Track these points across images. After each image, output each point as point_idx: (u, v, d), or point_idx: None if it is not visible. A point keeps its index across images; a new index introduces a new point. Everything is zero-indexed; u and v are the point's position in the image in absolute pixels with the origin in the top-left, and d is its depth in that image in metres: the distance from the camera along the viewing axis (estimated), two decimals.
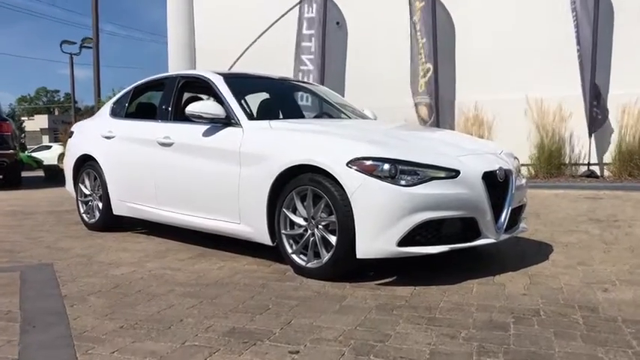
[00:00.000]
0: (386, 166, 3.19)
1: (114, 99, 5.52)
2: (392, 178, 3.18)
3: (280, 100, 4.88)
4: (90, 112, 28.77)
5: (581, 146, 10.06)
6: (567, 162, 10.07)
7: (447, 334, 2.48)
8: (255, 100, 4.48)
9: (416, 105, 10.87)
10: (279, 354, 2.24)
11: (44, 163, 18.88)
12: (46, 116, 62.79)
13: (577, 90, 9.73)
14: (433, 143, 3.67)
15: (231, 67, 12.40)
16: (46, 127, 58.36)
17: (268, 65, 11.79)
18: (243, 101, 4.21)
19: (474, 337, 2.43)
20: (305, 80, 5.43)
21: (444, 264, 3.76)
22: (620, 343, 2.36)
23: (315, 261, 3.41)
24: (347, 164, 3.23)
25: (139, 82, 5.34)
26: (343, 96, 11.71)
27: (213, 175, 4.00)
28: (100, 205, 5.15)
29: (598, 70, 9.61)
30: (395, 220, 3.14)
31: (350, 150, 3.29)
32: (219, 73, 4.50)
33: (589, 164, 9.94)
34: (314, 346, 2.33)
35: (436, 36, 10.59)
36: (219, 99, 4.24)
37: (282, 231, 3.57)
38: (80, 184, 5.39)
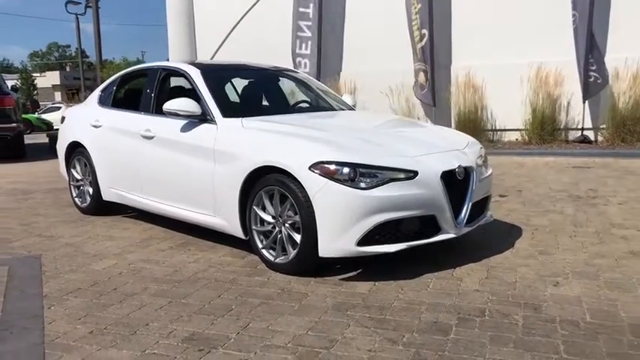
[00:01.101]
0: (345, 170, 3.33)
1: (102, 86, 5.64)
2: (351, 181, 3.32)
3: (260, 92, 4.98)
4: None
5: (578, 112, 10.06)
6: (561, 127, 10.09)
7: (390, 338, 2.67)
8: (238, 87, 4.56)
9: (415, 71, 10.85)
10: None
11: (54, 127, 18.97)
12: (57, 72, 62.75)
13: (572, 55, 9.66)
14: (396, 142, 3.78)
15: (227, 35, 12.39)
16: (58, 83, 58.41)
17: (266, 33, 11.80)
18: (221, 94, 4.33)
19: (413, 343, 2.62)
20: (285, 68, 5.47)
21: (414, 254, 3.91)
22: (547, 348, 2.54)
23: (283, 257, 3.60)
24: (309, 168, 3.37)
25: (125, 71, 5.45)
26: (341, 63, 11.76)
27: (190, 169, 4.16)
28: (91, 190, 5.35)
29: (595, 34, 9.52)
30: (354, 221, 3.30)
31: (313, 154, 3.43)
32: (198, 66, 4.60)
33: (582, 129, 9.97)
34: (263, 353, 2.53)
35: (432, 1, 10.46)
36: (196, 93, 4.35)
37: (253, 227, 3.75)
38: (72, 169, 5.59)
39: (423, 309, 3.03)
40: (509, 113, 10.33)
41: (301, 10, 11.58)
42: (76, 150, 5.48)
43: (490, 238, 4.38)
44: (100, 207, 5.32)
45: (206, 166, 4.01)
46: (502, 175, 7.32)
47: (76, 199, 5.60)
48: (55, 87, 58.22)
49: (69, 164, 5.62)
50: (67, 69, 68.48)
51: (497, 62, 10.13)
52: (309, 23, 11.52)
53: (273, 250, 3.68)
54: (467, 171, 3.72)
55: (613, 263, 3.71)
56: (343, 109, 5.01)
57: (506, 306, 3.04)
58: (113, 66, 40.45)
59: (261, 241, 3.73)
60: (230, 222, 3.91)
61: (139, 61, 61.74)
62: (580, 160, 8.47)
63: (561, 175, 7.26)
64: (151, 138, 4.52)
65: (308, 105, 5.06)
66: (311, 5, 11.44)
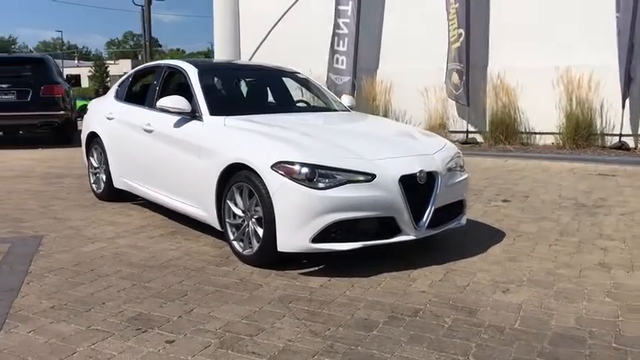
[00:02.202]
0: (304, 170, 3.51)
1: (119, 81, 6.04)
2: (310, 181, 3.50)
3: (253, 91, 5.21)
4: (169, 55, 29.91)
5: (616, 117, 9.75)
6: (597, 132, 9.81)
7: (313, 330, 2.84)
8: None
9: (448, 71, 10.81)
10: (156, 342, 2.70)
11: None
12: (129, 60, 65.53)
13: (612, 58, 9.37)
14: (364, 145, 3.91)
15: (269, 32, 12.70)
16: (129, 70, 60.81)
17: (306, 31, 12.02)
18: (212, 92, 4.59)
19: (333, 336, 2.78)
20: (287, 69, 5.65)
21: (387, 252, 4.03)
22: (458, 350, 2.64)
23: (249, 249, 3.83)
24: (271, 167, 3.58)
25: (138, 68, 5.82)
26: (378, 61, 11.82)
27: (180, 163, 4.45)
28: (104, 178, 5.75)
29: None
30: (309, 219, 3.48)
31: (276, 153, 3.63)
32: (197, 65, 4.88)
33: (621, 135, 9.66)
34: (191, 336, 2.77)
35: (469, 1, 10.38)
36: (190, 91, 4.63)
37: (227, 219, 3.99)
38: (90, 157, 6.02)
39: (361, 306, 3.17)
40: (544, 116, 10.14)
41: (340, 7, 11.73)
42: (94, 140, 5.90)
43: (467, 243, 4.44)
44: (113, 193, 5.70)
45: (192, 161, 4.28)
46: (519, 180, 7.27)
47: (93, 185, 6.03)
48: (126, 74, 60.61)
49: (88, 153, 6.05)
50: (139, 57, 71.37)
51: (532, 64, 9.96)
52: (347, 20, 11.66)
53: (242, 242, 3.90)
54: (432, 175, 3.81)
55: (575, 274, 3.72)
56: (335, 110, 5.16)
57: (443, 308, 3.15)
58: (180, 56, 41.73)
59: (233, 233, 3.97)
60: (209, 214, 4.17)
61: (208, 52, 63.54)
62: (609, 168, 8.25)
63: (580, 182, 7.12)
64: (150, 132, 4.84)
65: (300, 105, 5.24)
66: (350, 3, 11.56)
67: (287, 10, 12.58)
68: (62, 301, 3.19)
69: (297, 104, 5.30)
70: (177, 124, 4.51)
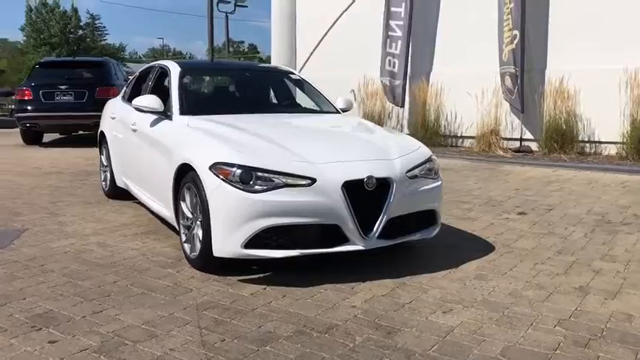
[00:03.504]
0: (238, 172, 3.36)
1: (129, 82, 6.16)
2: (245, 183, 3.35)
3: (233, 91, 5.11)
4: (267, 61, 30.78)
5: None
6: None
7: (205, 341, 2.69)
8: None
9: (501, 75, 10.21)
10: (39, 341, 2.65)
11: None
12: None
13: None
14: (314, 148, 3.69)
15: (324, 36, 12.62)
16: None
17: (360, 34, 11.83)
18: (189, 92, 4.55)
19: (220, 349, 2.61)
20: (281, 69, 5.51)
21: (348, 262, 3.81)
22: None
23: (194, 252, 3.72)
24: (209, 168, 3.46)
25: (142, 69, 5.89)
26: (431, 63, 11.38)
27: (154, 162, 4.42)
28: (109, 176, 5.87)
29: None
30: (240, 223, 3.32)
31: (214, 154, 3.51)
32: (181, 65, 4.86)
33: None
34: (78, 338, 2.70)
35: (525, 0, 9.74)
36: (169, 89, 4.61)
37: (180, 220, 3.92)
38: (101, 156, 6.17)
39: (276, 318, 2.98)
40: (606, 124, 9.29)
41: (393, 9, 11.42)
42: (103, 139, 6.04)
43: (442, 256, 4.10)
44: (117, 191, 5.80)
45: (162, 160, 4.24)
46: (553, 192, 6.69)
47: (102, 183, 6.18)
48: None
49: (100, 151, 6.22)
50: None
51: (594, 66, 9.14)
52: (400, 22, 11.33)
53: (191, 244, 3.80)
54: (386, 182, 3.54)
55: (541, 297, 3.31)
56: (321, 112, 4.96)
57: (362, 326, 2.89)
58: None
59: (185, 235, 3.88)
60: (170, 214, 4.11)
61: None
62: None
63: (623, 197, 6.43)
64: (135, 131, 4.87)
65: (280, 106, 5.08)
66: (402, 4, 11.24)
67: (340, 15, 12.43)
68: None
69: (282, 105, 5.14)
70: (153, 124, 4.50)
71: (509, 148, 10.16)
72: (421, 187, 3.78)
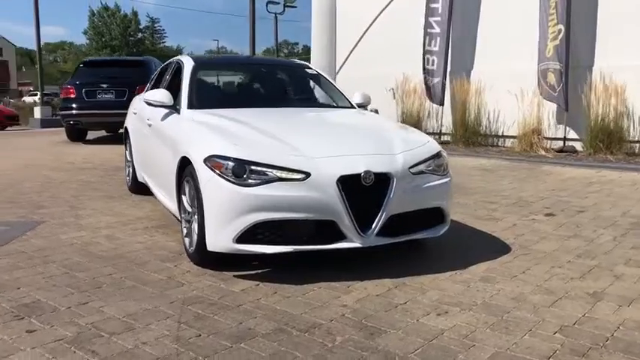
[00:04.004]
0: (230, 165, 3.29)
1: (151, 78, 6.21)
2: (238, 177, 3.27)
3: (243, 86, 5.05)
4: None
5: None
6: None
7: (181, 336, 2.62)
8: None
9: (542, 71, 9.80)
10: (18, 330, 2.65)
11: None
12: None
13: None
14: (311, 142, 3.57)
15: (364, 33, 12.48)
16: None
17: (400, 32, 11.63)
18: (200, 86, 4.53)
19: (193, 344, 2.54)
20: (297, 62, 5.42)
21: (363, 260, 3.69)
22: None
23: (192, 247, 3.67)
24: (204, 161, 3.40)
25: (164, 64, 5.92)
26: (472, 61, 11.04)
27: (162, 155, 4.42)
28: (131, 171, 5.93)
29: None
30: (232, 217, 3.25)
31: (208, 147, 3.45)
32: (195, 60, 4.84)
33: None
34: (56, 328, 2.68)
35: None
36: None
37: (182, 214, 3.88)
38: (125, 151, 6.25)
39: (260, 314, 2.89)
40: None
41: (431, 5, 11.17)
42: (127, 134, 6.12)
43: (451, 256, 3.92)
44: (139, 186, 5.85)
45: (169, 154, 4.23)
46: (591, 193, 6.35)
47: (127, 178, 6.26)
48: None
49: (125, 146, 6.30)
50: None
51: None
52: (439, 19, 11.06)
53: (190, 238, 3.76)
54: (385, 177, 3.39)
55: (547, 303, 3.09)
56: (334, 107, 4.84)
57: (346, 326, 2.76)
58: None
59: (186, 229, 3.84)
60: (175, 207, 4.09)
61: None
62: None
63: None
64: (150, 126, 4.89)
65: (291, 100, 4.97)
66: (441, 0, 10.96)
67: (380, 12, 12.25)
68: None
69: (294, 99, 5.04)
70: (163, 118, 4.50)
71: (552, 148, 9.75)
72: (426, 183, 3.61)
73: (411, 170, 3.52)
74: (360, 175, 3.30)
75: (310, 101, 5.01)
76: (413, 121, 11.47)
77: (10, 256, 3.83)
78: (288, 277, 3.41)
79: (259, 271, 3.54)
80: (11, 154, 10.28)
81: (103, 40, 69.49)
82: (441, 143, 10.98)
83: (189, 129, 3.98)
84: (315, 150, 3.42)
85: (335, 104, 4.92)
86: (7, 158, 9.49)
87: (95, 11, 71.42)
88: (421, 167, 3.61)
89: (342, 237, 3.35)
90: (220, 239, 3.32)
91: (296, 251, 3.33)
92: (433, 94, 11.31)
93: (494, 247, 4.16)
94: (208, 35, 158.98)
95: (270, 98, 4.90)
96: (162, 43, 79.06)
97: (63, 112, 11.56)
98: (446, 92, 11.14)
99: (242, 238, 3.27)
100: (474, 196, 6.18)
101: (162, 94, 4.39)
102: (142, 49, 71.43)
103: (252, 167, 3.28)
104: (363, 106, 4.99)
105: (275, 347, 2.53)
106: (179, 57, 5.34)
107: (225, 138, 3.54)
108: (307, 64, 5.34)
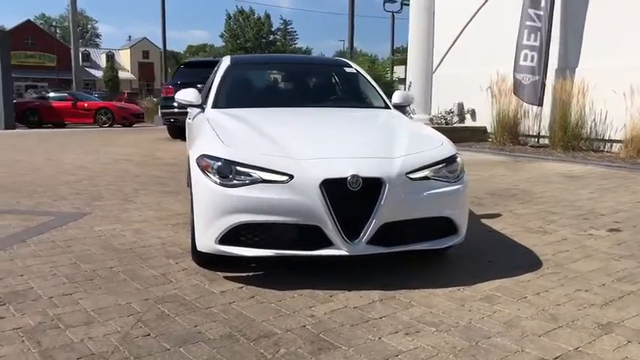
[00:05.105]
0: (217, 165, 3.26)
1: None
2: (223, 177, 3.24)
3: (276, 85, 4.98)
4: None
5: None
6: None
7: (131, 334, 2.64)
8: None
9: None
10: None
11: None
12: (402, 67, 68.25)
13: None
14: (307, 143, 3.44)
15: (462, 31, 11.98)
16: (403, 77, 63.33)
17: (495, 25, 11.02)
18: (230, 85, 4.57)
19: (136, 343, 2.54)
20: (336, 61, 5.26)
21: (367, 268, 3.54)
22: None
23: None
24: (196, 160, 3.41)
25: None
26: (578, 57, 10.13)
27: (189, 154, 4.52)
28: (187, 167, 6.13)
29: None
30: (215, 217, 3.22)
31: (202, 147, 3.46)
32: (232, 59, 4.89)
33: None
34: (22, 316, 2.81)
35: None
36: None
37: (191, 214, 3.92)
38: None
39: (222, 319, 2.84)
40: None
41: None
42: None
43: (467, 271, 3.61)
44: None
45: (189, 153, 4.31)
46: None
47: (186, 174, 6.47)
48: (399, 80, 63.33)
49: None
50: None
51: None
52: (540, 12, 10.26)
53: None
54: (377, 182, 3.18)
55: (541, 330, 2.73)
56: (361, 107, 4.66)
57: (298, 338, 2.62)
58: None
59: (193, 228, 3.87)
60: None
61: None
62: None
63: None
64: (189, 124, 5.01)
65: (319, 100, 4.81)
66: None
67: (479, 9, 11.66)
68: None
69: (321, 98, 4.86)
70: (193, 117, 4.61)
71: None
72: (429, 190, 3.33)
73: (410, 176, 3.27)
74: (346, 179, 3.12)
75: (337, 101, 4.85)
76: (508, 122, 10.80)
77: (38, 245, 4.09)
78: (277, 281, 3.32)
79: (251, 273, 3.48)
80: (111, 149, 11.07)
81: (238, 42, 73.18)
82: (539, 147, 10.28)
83: (200, 128, 4.02)
84: (302, 151, 3.29)
85: (367, 104, 4.72)
86: (107, 154, 10.24)
87: (231, 15, 75.54)
88: (425, 172, 3.34)
89: (328, 244, 3.19)
90: (205, 239, 3.30)
91: (277, 256, 3.23)
92: (531, 94, 10.51)
93: (521, 263, 3.77)
94: (339, 36, 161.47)
95: (294, 98, 4.81)
96: (294, 44, 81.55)
97: (164, 111, 12.26)
98: (545, 92, 10.33)
99: (224, 239, 3.23)
100: (539, 205, 5.65)
101: (190, 94, 4.47)
102: (272, 50, 74.17)
103: (238, 168, 3.22)
104: (402, 106, 4.74)
105: (211, 354, 2.46)
106: (227, 56, 5.44)
107: (220, 138, 3.51)
108: (348, 62, 5.17)
